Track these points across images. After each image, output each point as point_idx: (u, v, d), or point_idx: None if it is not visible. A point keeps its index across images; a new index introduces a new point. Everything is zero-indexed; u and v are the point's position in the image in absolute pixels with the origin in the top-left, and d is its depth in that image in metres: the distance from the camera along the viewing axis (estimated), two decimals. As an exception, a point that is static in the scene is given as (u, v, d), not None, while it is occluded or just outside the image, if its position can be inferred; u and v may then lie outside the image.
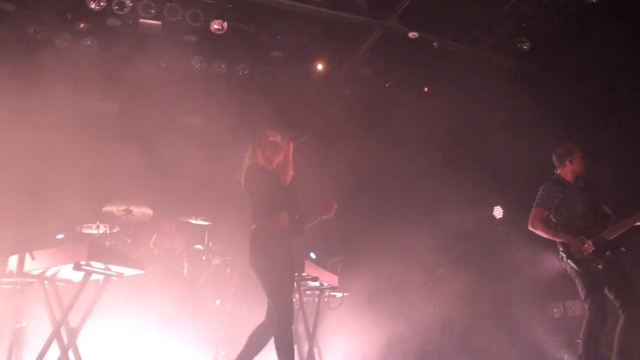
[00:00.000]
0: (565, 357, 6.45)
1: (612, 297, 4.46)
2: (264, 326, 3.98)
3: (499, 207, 8.28)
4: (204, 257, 7.32)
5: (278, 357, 3.72)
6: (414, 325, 7.22)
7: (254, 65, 8.40)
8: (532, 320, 7.28)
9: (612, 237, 4.51)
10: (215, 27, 7.37)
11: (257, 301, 7.17)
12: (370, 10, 7.34)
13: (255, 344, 3.94)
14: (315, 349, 5.01)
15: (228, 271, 7.43)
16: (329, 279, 5.23)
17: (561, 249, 4.62)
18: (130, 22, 7.41)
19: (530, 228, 4.75)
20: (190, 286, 7.09)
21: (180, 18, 7.23)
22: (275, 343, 3.75)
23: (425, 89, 9.12)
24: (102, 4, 6.92)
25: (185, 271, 7.27)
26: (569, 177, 4.81)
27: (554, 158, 4.95)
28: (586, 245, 4.43)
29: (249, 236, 3.97)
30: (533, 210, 4.76)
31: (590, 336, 4.40)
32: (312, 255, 6.32)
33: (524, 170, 6.90)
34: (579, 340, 4.56)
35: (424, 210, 8.19)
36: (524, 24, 7.57)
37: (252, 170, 4.02)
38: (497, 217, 8.34)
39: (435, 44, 7.81)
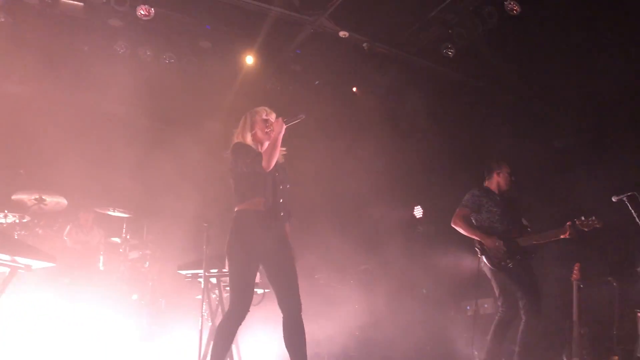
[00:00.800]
0: (475, 352, 6.72)
1: (518, 299, 4.76)
2: (285, 326, 3.70)
3: (419, 207, 8.51)
4: (121, 250, 7.07)
5: (211, 349, 3.61)
6: (337, 323, 7.29)
7: (181, 54, 8.17)
8: (447, 317, 7.55)
9: (525, 244, 4.86)
10: (142, 12, 7.11)
11: (174, 296, 7.04)
12: (302, 7, 7.33)
13: (293, 348, 3.63)
14: (233, 346, 4.96)
15: (146, 265, 7.22)
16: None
17: (477, 246, 4.97)
18: (50, 0, 7.01)
19: (452, 224, 5.10)
20: (106, 280, 6.83)
21: (104, 1, 6.93)
22: (215, 334, 3.64)
23: (354, 89, 9.21)
24: (18, -21, 6.52)
25: (101, 265, 7.00)
26: (494, 188, 5.24)
27: (484, 170, 5.35)
28: (497, 244, 4.73)
29: None
30: (457, 209, 5.12)
31: (497, 332, 4.71)
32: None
33: (445, 171, 7.14)
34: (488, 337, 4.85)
35: (347, 208, 8.29)
36: (450, 31, 7.80)
37: (236, 149, 3.82)
38: (417, 217, 8.58)
39: (365, 45, 7.91)
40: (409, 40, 8.01)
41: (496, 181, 5.25)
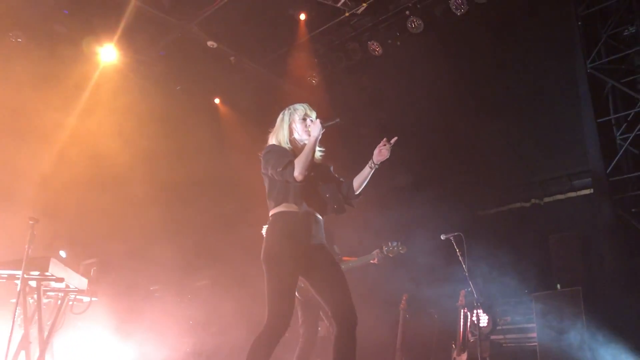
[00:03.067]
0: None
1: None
2: (339, 340, 3.26)
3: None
4: None
5: None
6: (166, 337, 7.02)
7: (32, 36, 7.48)
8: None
9: None
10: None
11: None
12: (172, 10, 7.13)
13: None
14: (48, 355, 4.56)
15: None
16: (77, 281, 4.83)
17: None
18: None
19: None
20: None
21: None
22: (251, 349, 3.15)
23: (217, 100, 9.10)
24: None
25: None
26: None
27: None
28: None
29: None
30: None
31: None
32: (62, 253, 5.77)
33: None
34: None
35: (176, 225, 8.03)
36: (317, 60, 8.07)
37: (268, 153, 3.42)
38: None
39: (232, 58, 7.89)
40: (276, 61, 8.14)
41: None
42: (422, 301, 6.94)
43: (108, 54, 7.75)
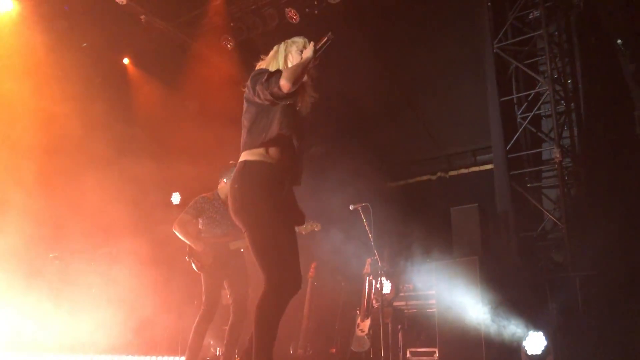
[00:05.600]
0: (212, 342, 6.90)
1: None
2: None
3: (177, 193, 8.33)
4: None
5: (255, 336, 2.75)
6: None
7: None
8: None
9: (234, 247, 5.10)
10: None
11: None
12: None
13: None
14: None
15: None
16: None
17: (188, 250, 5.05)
18: None
19: (173, 229, 5.04)
20: None
21: None
22: (257, 317, 2.76)
23: (126, 60, 8.67)
24: None
25: None
26: (223, 195, 5.15)
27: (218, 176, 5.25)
28: (203, 249, 4.94)
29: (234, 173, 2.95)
30: (181, 215, 5.07)
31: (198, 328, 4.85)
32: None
33: (206, 160, 7.11)
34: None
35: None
36: (232, 24, 7.85)
37: (256, 73, 2.96)
38: (175, 204, 8.38)
39: (142, 17, 7.52)
40: (189, 23, 7.85)
41: (225, 187, 5.07)
42: (329, 269, 7.10)
43: (4, 2, 7.15)
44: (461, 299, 5.35)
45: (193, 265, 4.99)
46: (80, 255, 7.55)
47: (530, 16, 6.77)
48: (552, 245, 6.32)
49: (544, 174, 6.69)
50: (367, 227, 5.68)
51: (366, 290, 6.56)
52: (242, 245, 5.04)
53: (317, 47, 2.96)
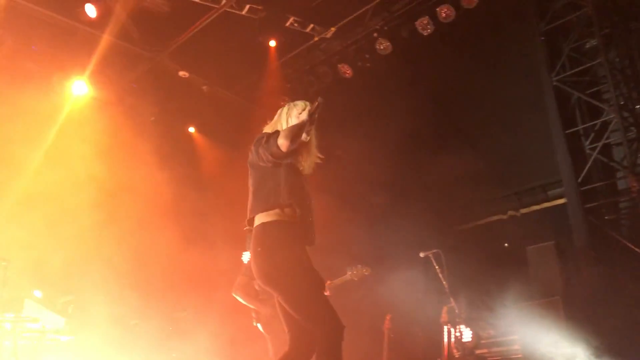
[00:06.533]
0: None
1: None
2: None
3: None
4: None
5: None
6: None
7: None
8: None
9: None
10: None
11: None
12: (142, 41, 7.15)
13: None
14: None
15: None
16: (53, 320, 4.75)
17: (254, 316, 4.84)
18: None
19: (233, 294, 4.82)
20: None
21: None
22: None
23: (192, 129, 9.08)
24: None
25: None
26: None
27: None
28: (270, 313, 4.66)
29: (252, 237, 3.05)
30: (238, 278, 4.84)
31: None
32: (37, 293, 5.65)
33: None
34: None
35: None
36: (289, 85, 8.14)
37: (259, 138, 3.08)
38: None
39: (204, 87, 7.91)
40: (248, 87, 8.19)
41: None
42: (405, 320, 6.94)
43: (79, 88, 7.70)
44: (547, 342, 5.10)
45: (260, 327, 4.73)
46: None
47: (587, 45, 6.66)
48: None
49: (621, 204, 6.39)
50: (440, 274, 5.57)
51: (445, 340, 6.35)
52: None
53: (311, 111, 3.06)
